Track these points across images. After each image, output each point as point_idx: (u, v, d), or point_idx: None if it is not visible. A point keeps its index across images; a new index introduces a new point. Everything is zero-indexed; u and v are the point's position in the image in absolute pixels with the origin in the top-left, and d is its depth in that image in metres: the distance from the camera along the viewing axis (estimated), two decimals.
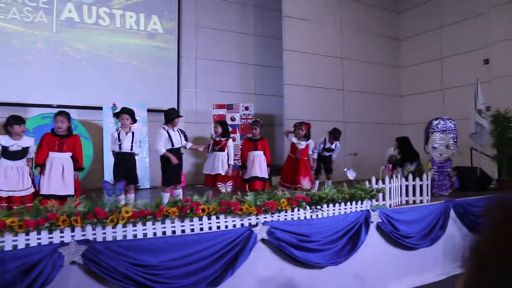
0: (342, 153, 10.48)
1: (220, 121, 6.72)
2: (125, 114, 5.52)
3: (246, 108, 10.41)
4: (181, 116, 5.91)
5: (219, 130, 6.38)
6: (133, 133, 5.55)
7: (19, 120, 4.95)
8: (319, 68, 11.23)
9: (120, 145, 5.41)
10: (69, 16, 9.48)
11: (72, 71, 9.46)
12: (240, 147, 7.19)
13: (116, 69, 9.96)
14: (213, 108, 10.37)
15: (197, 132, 10.72)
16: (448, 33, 11.85)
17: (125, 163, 5.46)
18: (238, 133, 10.28)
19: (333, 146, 7.39)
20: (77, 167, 5.13)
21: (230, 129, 10.18)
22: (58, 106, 9.03)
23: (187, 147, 5.87)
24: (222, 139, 6.29)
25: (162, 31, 10.62)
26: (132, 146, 5.49)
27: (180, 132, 5.75)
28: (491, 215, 0.43)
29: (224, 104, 10.42)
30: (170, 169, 5.56)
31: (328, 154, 7.43)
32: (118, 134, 5.44)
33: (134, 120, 5.68)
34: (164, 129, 5.63)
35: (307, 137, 6.80)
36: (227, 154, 6.27)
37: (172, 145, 5.58)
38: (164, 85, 10.53)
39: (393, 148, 8.96)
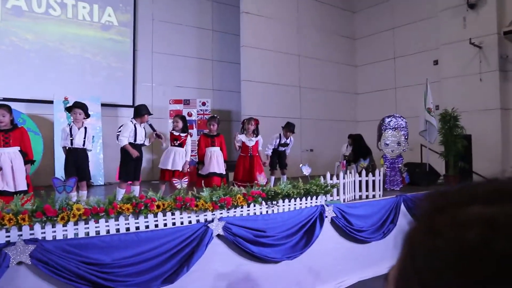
0: (298, 149, 10.64)
1: (181, 116, 6.50)
2: (77, 108, 5.34)
3: (203, 104, 10.35)
4: (151, 114, 5.79)
5: (180, 125, 6.15)
6: (85, 128, 5.38)
7: None
8: (277, 65, 11.32)
9: (72, 140, 5.23)
10: (15, 4, 9.03)
11: (20, 62, 9.03)
12: (197, 142, 7.10)
13: (68, 62, 9.60)
14: (170, 103, 10.23)
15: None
16: (401, 34, 12.27)
17: (76, 159, 5.30)
18: (195, 129, 10.19)
19: (288, 141, 7.43)
20: (27, 160, 4.88)
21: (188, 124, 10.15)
22: (5, 99, 8.60)
23: (146, 143, 5.76)
24: (182, 134, 6.09)
25: (117, 23, 10.34)
26: (84, 141, 5.33)
27: (145, 130, 5.65)
28: (421, 206, 0.46)
29: (181, 99, 10.31)
30: (128, 163, 5.46)
31: (283, 149, 7.47)
32: (70, 129, 5.27)
33: (87, 115, 5.51)
34: (132, 123, 5.56)
35: (255, 133, 6.81)
36: (185, 150, 6.18)
37: (135, 140, 5.48)
38: (119, 79, 10.28)
39: (346, 145, 9.20)
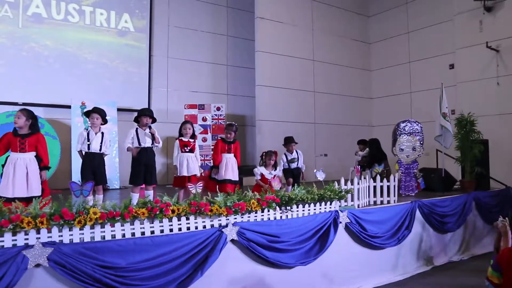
0: (312, 154, 10.62)
1: (190, 122, 6.37)
2: (95, 113, 5.42)
3: (218, 109, 10.40)
4: (146, 115, 5.63)
5: (191, 131, 6.05)
6: (102, 133, 5.45)
7: None
8: (291, 70, 11.33)
9: (89, 145, 5.30)
10: (36, 12, 9.23)
11: (39, 68, 9.22)
12: (213, 147, 7.05)
13: (86, 67, 9.77)
14: (185, 108, 10.31)
15: (168, 132, 10.62)
16: (416, 38, 12.17)
17: (93, 163, 5.36)
18: (209, 134, 10.27)
19: (294, 155, 7.18)
20: (43, 166, 4.90)
21: (202, 129, 10.24)
22: (24, 104, 8.79)
23: (157, 145, 5.75)
24: (191, 140, 6.02)
25: (133, 29, 10.48)
26: (101, 146, 5.40)
27: (152, 134, 5.63)
28: None
29: (196, 104, 10.38)
30: (137, 168, 5.51)
31: (294, 165, 7.13)
32: (88, 134, 5.34)
33: (105, 121, 5.57)
34: (134, 128, 5.62)
35: (275, 166, 6.56)
36: (195, 155, 6.07)
37: (139, 143, 5.53)
38: (135, 84, 10.40)
39: (357, 151, 9.13)
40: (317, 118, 11.86)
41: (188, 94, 11.04)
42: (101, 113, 5.49)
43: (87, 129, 5.43)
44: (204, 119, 10.28)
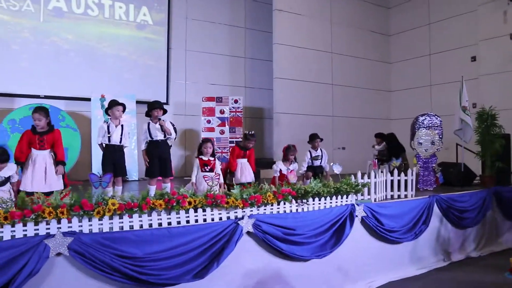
0: (330, 147, 10.59)
1: (211, 140, 5.91)
2: (119, 105, 5.51)
3: (236, 101, 10.44)
4: (155, 107, 5.65)
5: (211, 150, 5.61)
6: (122, 125, 5.55)
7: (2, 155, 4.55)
8: (309, 62, 11.28)
9: (109, 137, 5.41)
10: (56, 6, 9.39)
11: (60, 62, 9.39)
12: (230, 152, 6.83)
13: (105, 60, 9.91)
14: (203, 101, 10.38)
15: (186, 125, 10.75)
16: (437, 30, 11.96)
17: (113, 156, 5.47)
18: (227, 126, 10.31)
19: (318, 152, 6.99)
20: (58, 161, 4.92)
21: (219, 121, 10.30)
22: (46, 97, 8.99)
23: (171, 138, 5.79)
24: (211, 158, 5.60)
25: (152, 22, 10.57)
26: (121, 138, 5.49)
27: (161, 126, 5.66)
28: None
29: (214, 97, 10.44)
30: (152, 160, 5.59)
31: (318, 163, 6.94)
32: (108, 127, 5.44)
33: (124, 111, 5.72)
34: (146, 124, 5.69)
35: (292, 163, 6.34)
36: (216, 173, 5.60)
37: (151, 137, 5.61)
38: (154, 77, 10.51)
39: (374, 144, 9.02)
40: (334, 111, 11.81)
41: (206, 86, 11.11)
42: (123, 105, 5.62)
43: (107, 122, 5.53)
44: (221, 112, 10.33)
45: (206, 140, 5.71)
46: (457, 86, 7.94)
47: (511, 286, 3.02)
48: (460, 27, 11.26)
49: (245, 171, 6.12)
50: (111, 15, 10.03)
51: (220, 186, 5.39)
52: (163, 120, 5.63)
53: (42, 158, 4.78)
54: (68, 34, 9.52)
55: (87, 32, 9.73)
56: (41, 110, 4.89)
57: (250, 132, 6.27)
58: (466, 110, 7.56)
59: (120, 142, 5.50)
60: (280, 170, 6.23)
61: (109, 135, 5.40)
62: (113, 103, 5.57)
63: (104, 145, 5.46)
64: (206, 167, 5.47)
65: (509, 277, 2.87)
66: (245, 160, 6.19)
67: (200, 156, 5.57)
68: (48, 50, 9.29)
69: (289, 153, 6.32)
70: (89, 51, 9.73)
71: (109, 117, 5.61)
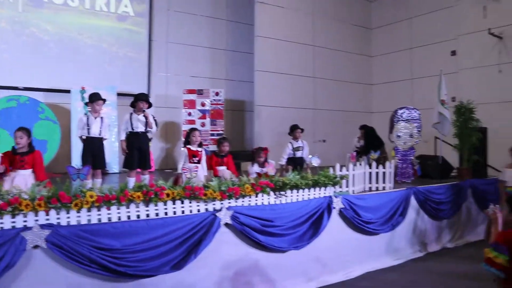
0: (310, 140, 10.69)
1: (198, 129, 5.90)
2: (100, 100, 5.52)
3: (217, 94, 10.46)
4: (142, 100, 5.71)
5: (199, 138, 5.58)
6: (101, 118, 5.56)
7: None
8: (291, 55, 11.34)
9: (88, 129, 5.40)
10: None
11: (39, 53, 9.28)
12: (211, 133, 6.84)
13: (85, 52, 9.81)
14: (184, 93, 10.37)
15: (167, 117, 10.73)
16: (418, 24, 12.13)
17: (93, 148, 5.48)
18: (208, 119, 10.34)
19: (300, 143, 7.06)
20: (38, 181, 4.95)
21: (200, 114, 10.32)
22: (25, 89, 8.90)
23: (152, 131, 5.82)
24: (199, 149, 5.58)
25: (133, 13, 10.49)
26: (100, 130, 5.50)
27: (145, 117, 5.70)
28: None
29: (195, 89, 10.44)
30: (130, 152, 5.61)
31: (299, 154, 7.00)
32: (87, 119, 5.44)
33: (104, 101, 5.74)
34: (130, 113, 5.71)
35: (264, 163, 6.19)
36: (202, 166, 5.65)
37: (132, 128, 5.62)
38: (135, 69, 10.45)
39: (357, 137, 9.11)
40: (316, 104, 11.92)
41: (187, 79, 11.09)
42: (104, 100, 5.63)
43: (86, 114, 5.53)
44: (202, 104, 10.35)
45: (194, 129, 5.72)
46: (437, 80, 8.10)
47: (485, 276, 3.16)
48: (440, 22, 11.44)
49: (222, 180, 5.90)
50: (91, 6, 9.92)
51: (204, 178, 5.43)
52: (146, 113, 5.68)
53: (22, 178, 4.73)
54: (47, 24, 9.40)
55: (67, 23, 9.62)
56: (24, 129, 4.88)
57: (222, 136, 6.25)
58: (444, 103, 7.72)
59: (100, 134, 5.52)
60: (258, 173, 6.08)
61: (88, 127, 5.40)
62: (94, 97, 5.57)
63: (83, 137, 5.46)
64: (194, 158, 5.45)
65: (486, 268, 2.97)
66: (223, 168, 5.99)
67: (188, 146, 5.52)
68: (26, 41, 9.16)
69: (256, 155, 6.22)
70: (69, 42, 9.63)
71: (89, 110, 5.61)
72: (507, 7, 9.61)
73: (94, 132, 5.44)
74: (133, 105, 5.76)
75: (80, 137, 5.51)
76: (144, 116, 5.63)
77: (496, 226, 3.30)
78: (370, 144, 8.05)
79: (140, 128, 5.67)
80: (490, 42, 9.88)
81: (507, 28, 9.62)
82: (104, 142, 5.77)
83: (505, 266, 2.83)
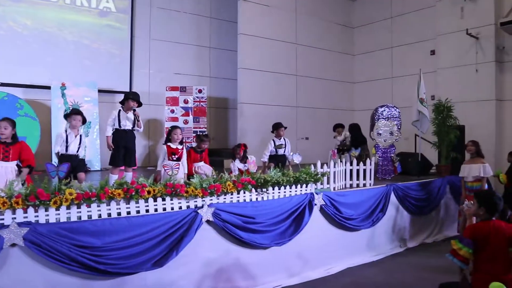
0: (293, 137, 10.73)
1: (180, 127, 5.80)
2: (77, 115, 5.25)
3: (200, 91, 10.41)
4: (133, 99, 5.65)
5: (181, 137, 5.55)
6: (81, 136, 5.33)
7: None
8: (274, 53, 11.33)
9: (67, 146, 5.19)
10: None
11: (18, 48, 9.07)
12: (194, 130, 6.76)
13: (66, 48, 9.64)
14: (166, 90, 10.30)
15: (150, 114, 10.63)
16: (398, 23, 12.25)
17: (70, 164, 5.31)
18: (191, 116, 10.29)
19: (282, 141, 7.05)
20: (27, 165, 4.64)
21: (183, 111, 10.26)
22: (3, 84, 8.71)
23: (138, 129, 5.76)
24: (179, 147, 5.52)
25: (115, 9, 10.34)
26: (78, 148, 5.27)
27: (135, 115, 5.62)
28: None
29: (178, 86, 10.37)
30: (117, 149, 5.55)
31: (281, 151, 7.00)
32: (67, 137, 5.20)
33: (84, 122, 5.43)
34: (117, 110, 5.63)
35: (244, 158, 6.26)
36: (182, 163, 5.55)
37: (119, 125, 5.56)
38: (117, 65, 10.32)
39: (335, 135, 9.13)
40: (299, 102, 11.95)
41: (170, 76, 11.01)
42: (82, 114, 5.34)
43: (66, 131, 5.32)
44: (185, 102, 10.29)
45: (176, 127, 5.67)
46: (417, 78, 8.20)
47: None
48: (420, 21, 11.57)
49: (201, 174, 5.85)
50: (72, 1, 9.74)
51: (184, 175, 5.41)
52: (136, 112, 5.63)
53: (4, 170, 4.50)
54: (26, 19, 9.19)
55: (47, 18, 9.43)
56: (9, 120, 4.67)
57: (204, 133, 6.24)
58: (423, 102, 7.82)
59: (77, 152, 5.29)
60: (239, 169, 6.12)
61: (67, 144, 5.20)
62: (71, 112, 5.34)
63: (60, 154, 5.23)
64: (173, 156, 5.43)
65: (450, 258, 3.13)
66: (201, 163, 5.98)
67: (168, 144, 5.50)
68: (4, 36, 8.95)
69: (235, 151, 6.26)
70: (49, 37, 9.44)
71: (69, 126, 5.38)
72: (482, 8, 9.77)
73: (72, 150, 5.16)
74: (122, 102, 5.69)
75: (57, 153, 5.28)
76: (134, 115, 5.58)
77: (471, 222, 3.39)
78: (355, 141, 8.02)
79: (128, 126, 5.62)
80: (467, 42, 10.03)
81: (483, 28, 9.77)
82: (85, 140, 5.65)
83: (467, 258, 3.00)
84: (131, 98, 5.66)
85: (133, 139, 5.80)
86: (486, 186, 6.08)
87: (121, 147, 5.59)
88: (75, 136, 5.21)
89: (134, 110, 5.61)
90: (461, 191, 6.46)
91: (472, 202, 3.38)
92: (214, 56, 11.96)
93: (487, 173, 6.05)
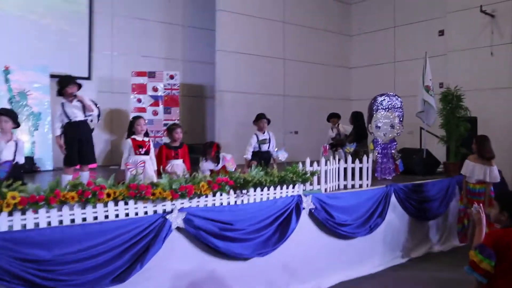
0: (280, 131, 10.75)
1: (143, 117, 5.81)
2: (3, 115, 4.97)
3: (171, 77, 10.34)
4: (69, 83, 5.60)
5: (145, 127, 5.55)
6: (16, 142, 5.05)
7: None
8: (258, 33, 11.32)
9: None
10: None
11: None
12: (156, 154, 6.39)
13: (10, 24, 9.42)
14: (132, 76, 10.20)
15: (112, 104, 10.54)
16: (402, 0, 12.31)
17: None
18: (161, 106, 10.22)
19: (266, 136, 7.07)
20: None
21: (152, 100, 10.20)
22: None
23: (93, 120, 5.72)
24: (146, 139, 5.54)
25: None
26: (15, 155, 5.07)
27: (82, 102, 5.57)
28: None
29: (145, 71, 10.28)
30: (70, 146, 5.49)
31: (265, 147, 7.00)
32: None
33: (17, 124, 5.18)
34: (61, 104, 5.58)
35: (217, 159, 6.10)
36: (151, 158, 5.60)
37: (69, 118, 5.50)
38: (72, 46, 10.17)
39: (331, 127, 9.15)
40: (287, 90, 11.96)
41: (136, 59, 10.91)
42: (11, 115, 5.10)
43: None
44: (154, 89, 10.21)
45: (138, 117, 5.66)
46: (422, 63, 8.26)
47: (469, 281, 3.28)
48: None
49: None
50: None
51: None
52: (79, 96, 5.54)
53: None
54: None
55: None
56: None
57: (174, 123, 6.15)
58: (429, 90, 7.89)
59: (14, 160, 5.14)
60: (211, 170, 6.03)
61: None
62: None
63: None
64: (140, 149, 5.38)
65: (468, 272, 3.08)
66: (178, 162, 5.89)
67: (132, 137, 5.47)
68: None
69: (206, 150, 6.15)
70: None
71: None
72: None
73: (6, 158, 5.03)
74: (60, 93, 5.61)
75: None
76: (78, 100, 5.50)
77: (481, 228, 3.40)
78: (359, 134, 7.97)
79: (79, 116, 5.56)
80: (481, 21, 10.13)
81: (500, 5, 9.87)
82: (36, 134, 5.59)
83: (488, 272, 2.94)
84: (66, 85, 5.59)
85: (89, 131, 5.77)
86: (492, 189, 6.12)
87: (75, 141, 5.54)
88: (7, 142, 4.96)
89: (75, 96, 5.56)
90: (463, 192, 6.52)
91: (481, 205, 3.41)
92: (188, 36, 11.90)
93: (494, 179, 6.08)
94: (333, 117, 8.98)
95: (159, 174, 5.44)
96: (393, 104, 7.70)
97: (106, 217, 4.03)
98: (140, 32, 11.08)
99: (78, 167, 5.76)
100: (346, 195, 5.95)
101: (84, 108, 5.59)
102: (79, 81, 5.94)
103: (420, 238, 6.97)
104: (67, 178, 5.28)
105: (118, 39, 10.84)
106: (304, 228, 5.30)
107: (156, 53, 11.32)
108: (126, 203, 4.14)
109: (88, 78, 10.07)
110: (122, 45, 10.89)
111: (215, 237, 4.47)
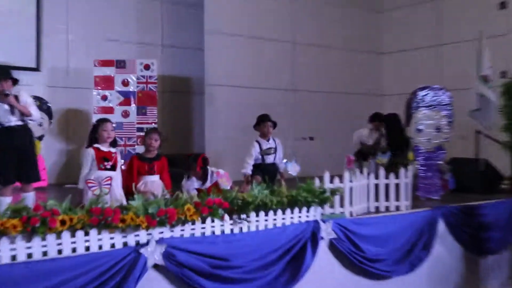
0: (290, 137, 10.73)
1: (110, 121, 5.82)
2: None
3: (147, 67, 10.33)
4: (8, 77, 5.67)
5: (113, 134, 5.63)
6: None
7: None
8: (258, 10, 11.36)
9: None
10: None
11: None
12: (126, 167, 6.41)
13: None
14: (95, 66, 10.20)
15: (69, 102, 10.55)
16: None
17: None
18: (133, 105, 10.20)
19: (271, 144, 7.17)
20: None
21: (121, 98, 10.18)
22: None
23: (34, 120, 5.71)
24: (112, 150, 5.58)
25: None
26: None
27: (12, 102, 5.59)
28: None
29: (112, 60, 10.29)
30: (2, 159, 5.54)
31: (270, 159, 7.11)
32: None
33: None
34: None
35: (204, 176, 6.22)
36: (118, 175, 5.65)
37: (0, 124, 5.52)
38: (15, 27, 10.21)
39: (367, 130, 9.13)
40: (297, 83, 11.98)
41: (100, 44, 10.96)
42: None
43: None
44: (125, 83, 10.21)
45: (105, 120, 5.67)
46: (477, 46, 8.24)
47: None
48: None
49: (149, 196, 5.33)
50: None
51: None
52: (12, 95, 5.54)
53: None
54: None
55: None
56: None
57: (151, 127, 6.15)
58: (487, 81, 7.86)
59: None
60: (198, 189, 6.06)
61: None
62: None
63: None
64: (106, 163, 5.39)
65: None
66: (153, 178, 5.90)
67: (95, 146, 5.48)
68: None
69: (190, 166, 6.22)
70: None
71: None
72: None
73: None
74: None
75: None
76: (8, 103, 5.52)
77: None
78: (393, 141, 7.95)
79: (13, 120, 5.57)
80: None
81: None
82: None
83: None
84: None
85: (29, 137, 5.81)
86: None
87: (10, 152, 5.55)
88: None
89: (7, 95, 5.56)
90: None
91: None
92: (169, 15, 11.97)
93: None
94: (375, 120, 8.88)
95: (130, 193, 5.40)
96: (439, 100, 7.69)
97: (59, 252, 4.00)
98: (105, 10, 11.12)
99: (18, 184, 5.75)
100: (378, 220, 5.94)
101: (13, 112, 5.60)
102: (23, 72, 5.98)
103: (479, 277, 6.93)
104: (5, 201, 5.26)
105: (75, 19, 10.87)
106: (323, 265, 5.28)
107: (126, 36, 11.37)
108: (86, 233, 4.11)
109: (36, 69, 10.12)
110: (81, 27, 10.92)
111: (205, 277, 4.43)
